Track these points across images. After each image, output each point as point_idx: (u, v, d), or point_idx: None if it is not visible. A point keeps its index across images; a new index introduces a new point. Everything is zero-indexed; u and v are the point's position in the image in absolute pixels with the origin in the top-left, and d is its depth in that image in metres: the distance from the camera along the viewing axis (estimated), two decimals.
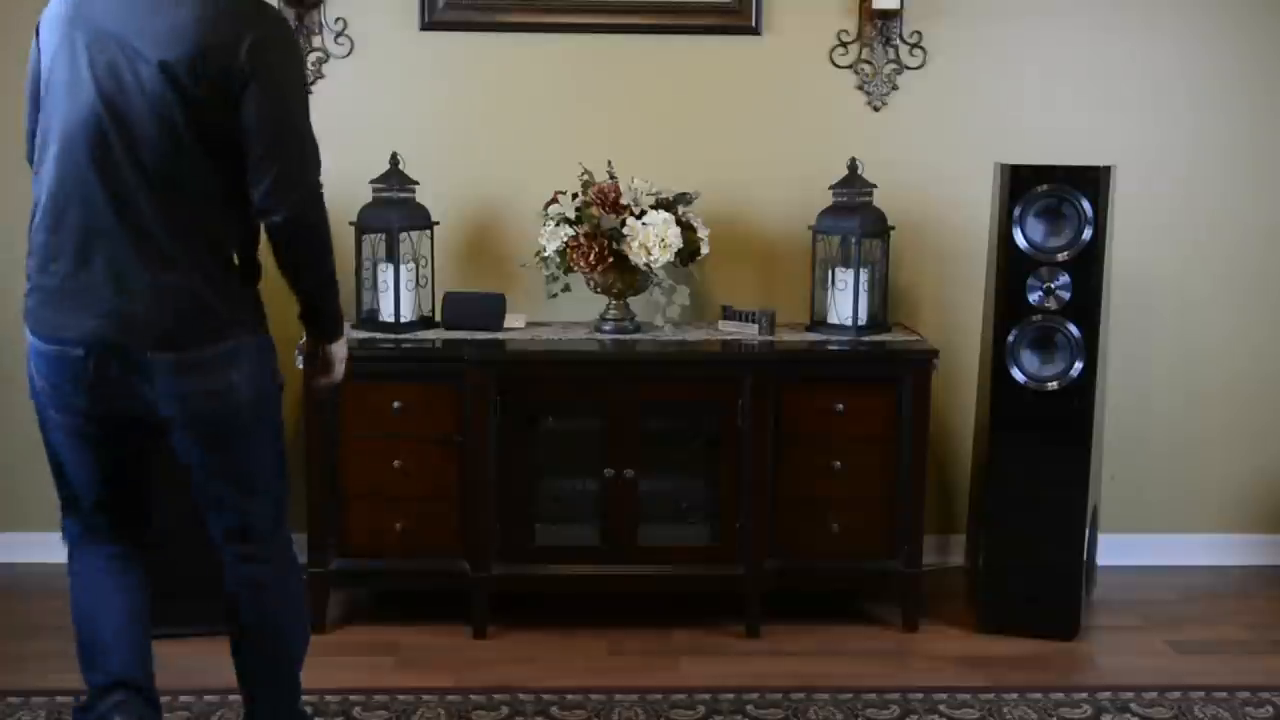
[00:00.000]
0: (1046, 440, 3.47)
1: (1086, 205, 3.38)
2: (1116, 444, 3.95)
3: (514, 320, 3.73)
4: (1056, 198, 3.41)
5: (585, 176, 3.68)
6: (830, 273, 3.71)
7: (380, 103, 3.85)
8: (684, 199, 3.66)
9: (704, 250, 3.67)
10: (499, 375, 3.46)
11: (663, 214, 3.55)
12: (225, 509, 2.59)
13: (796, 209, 3.83)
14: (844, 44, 3.87)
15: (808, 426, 3.51)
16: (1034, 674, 3.34)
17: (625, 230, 3.54)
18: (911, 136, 3.90)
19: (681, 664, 3.39)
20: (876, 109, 3.90)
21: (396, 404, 3.46)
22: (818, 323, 3.75)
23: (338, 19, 3.82)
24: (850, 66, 3.89)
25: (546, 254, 3.63)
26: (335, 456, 3.48)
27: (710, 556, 3.57)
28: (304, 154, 2.46)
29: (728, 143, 3.89)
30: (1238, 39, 3.90)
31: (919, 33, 3.87)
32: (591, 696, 3.17)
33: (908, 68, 3.88)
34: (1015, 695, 3.20)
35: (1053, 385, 3.45)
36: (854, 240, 3.64)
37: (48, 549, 2.79)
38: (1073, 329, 3.42)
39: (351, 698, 3.14)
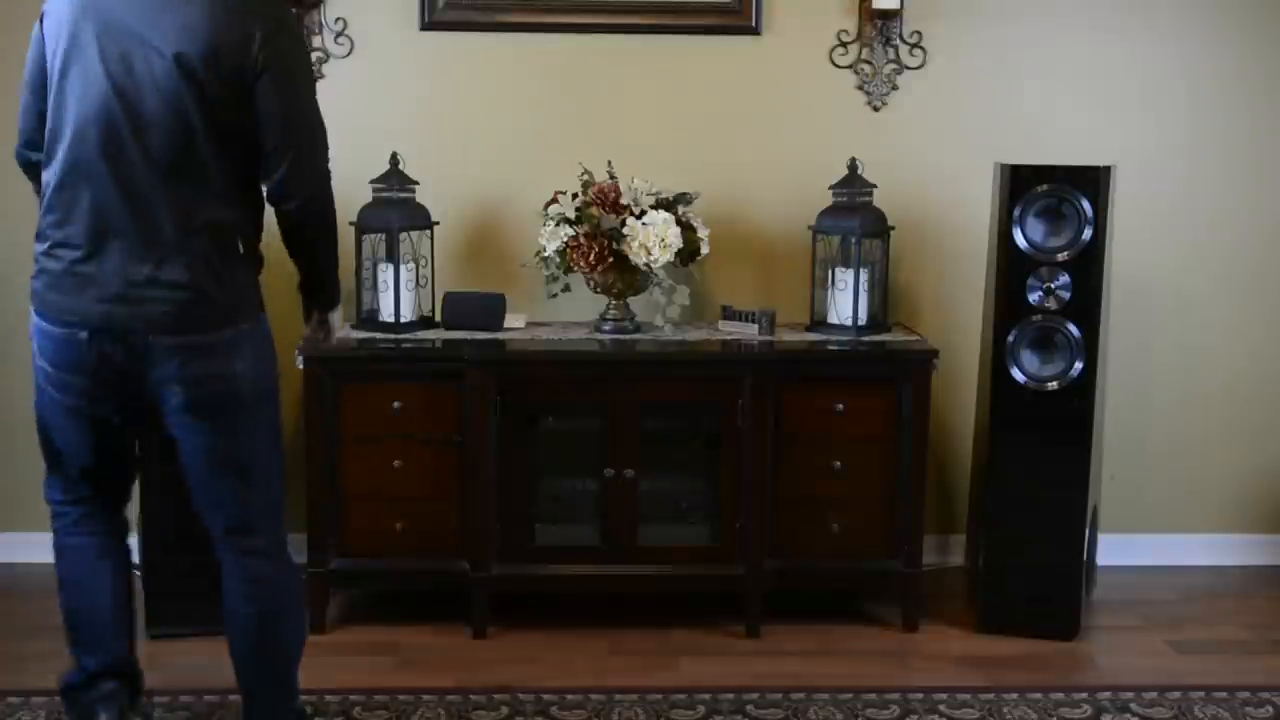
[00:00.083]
0: (1046, 440, 3.47)
1: (1086, 205, 3.38)
2: (1116, 444, 3.95)
3: (514, 320, 3.73)
4: (1056, 198, 3.41)
5: (585, 176, 3.68)
6: (830, 273, 3.71)
7: (380, 103, 3.85)
8: (684, 199, 3.66)
9: (704, 250, 3.67)
10: (499, 375, 3.46)
11: (663, 214, 3.55)
12: (227, 502, 2.61)
13: (796, 209, 3.83)
14: (844, 44, 3.87)
15: (808, 426, 3.51)
16: (1034, 674, 3.34)
17: (625, 230, 3.54)
18: (911, 136, 3.90)
19: (681, 664, 3.39)
20: (876, 109, 3.90)
21: (396, 404, 3.46)
22: (818, 323, 3.75)
23: (338, 19, 3.82)
24: (850, 66, 3.89)
25: (546, 254, 3.63)
26: (335, 456, 3.48)
27: (710, 556, 3.57)
28: (315, 141, 2.54)
29: (728, 143, 3.89)
30: (1237, 39, 3.90)
31: (919, 33, 3.87)
32: (591, 696, 3.17)
33: (908, 68, 3.88)
34: (1015, 695, 3.20)
35: (1053, 385, 3.45)
36: (854, 240, 3.64)
37: (48, 549, 2.79)
38: (1073, 329, 3.42)
39: (351, 698, 3.14)
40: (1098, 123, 3.91)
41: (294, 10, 3.76)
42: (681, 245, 3.57)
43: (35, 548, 3.71)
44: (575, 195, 3.65)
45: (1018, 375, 3.47)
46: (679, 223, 3.58)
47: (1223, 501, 4.10)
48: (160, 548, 3.41)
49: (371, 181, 3.65)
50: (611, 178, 3.65)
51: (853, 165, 3.70)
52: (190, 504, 2.67)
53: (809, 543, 3.55)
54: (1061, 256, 3.41)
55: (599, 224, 3.57)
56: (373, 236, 3.64)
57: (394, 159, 3.66)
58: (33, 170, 2.63)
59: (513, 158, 3.88)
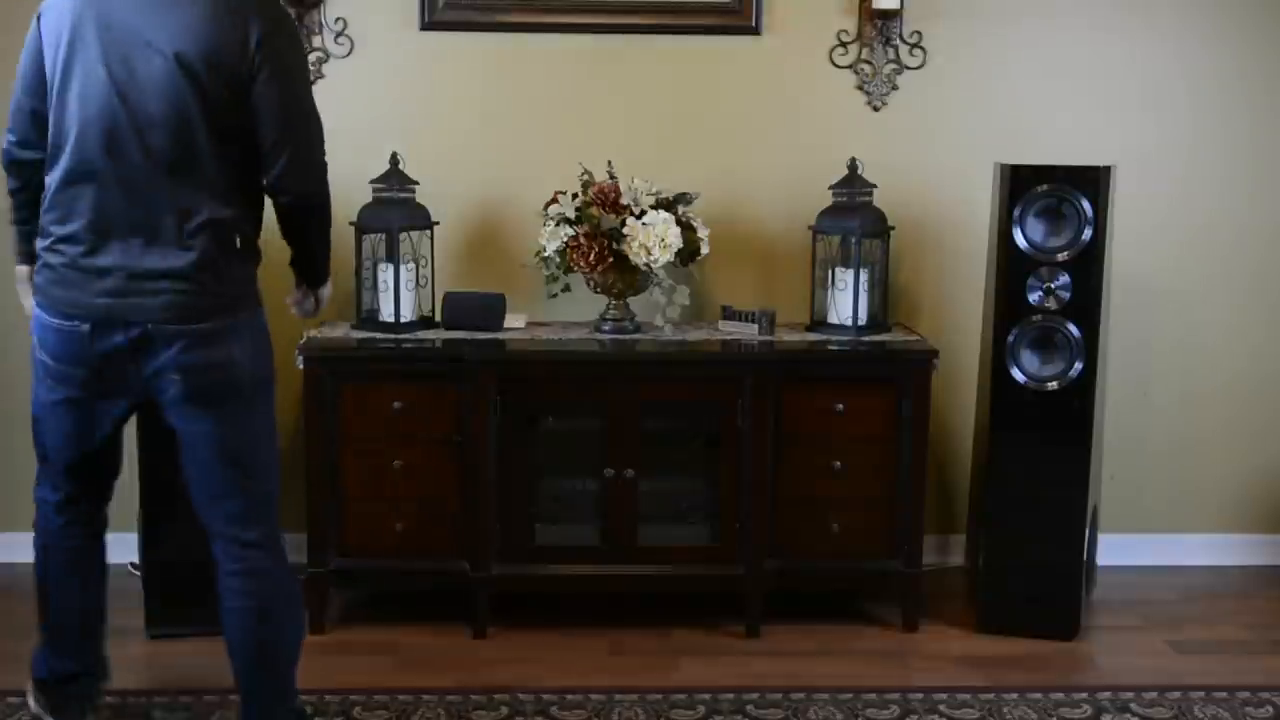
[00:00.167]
0: (1046, 440, 3.47)
1: (1086, 205, 3.38)
2: (1116, 444, 3.95)
3: (514, 320, 3.73)
4: (1056, 198, 3.41)
5: (585, 176, 3.68)
6: (830, 273, 3.71)
7: (380, 103, 3.85)
8: (684, 199, 3.66)
9: (704, 250, 3.67)
10: (499, 375, 3.46)
11: (663, 214, 3.55)
12: (225, 493, 2.64)
13: (796, 209, 3.83)
14: (844, 44, 3.87)
15: (808, 426, 3.51)
16: (1034, 674, 3.34)
17: (625, 230, 3.54)
18: (911, 136, 3.90)
19: (681, 664, 3.39)
20: (876, 109, 3.90)
21: (396, 404, 3.46)
22: (818, 323, 3.75)
23: (338, 19, 3.82)
24: (850, 66, 3.89)
25: (546, 254, 3.63)
26: (335, 456, 3.48)
27: (710, 556, 3.57)
28: (311, 135, 2.60)
29: (728, 143, 3.89)
30: (1237, 39, 3.90)
31: (919, 33, 3.87)
32: (591, 696, 3.17)
33: (908, 68, 3.88)
34: (1015, 695, 3.20)
35: (1053, 385, 3.45)
36: (854, 240, 3.64)
37: None
38: (1073, 329, 3.42)
39: (351, 698, 3.14)
40: (1097, 123, 3.91)
41: (294, 9, 3.77)
42: (681, 245, 3.57)
43: None
44: (575, 195, 3.65)
45: (1018, 375, 3.47)
46: (679, 223, 3.58)
47: (1222, 501, 4.10)
48: (160, 548, 3.41)
49: (371, 181, 3.65)
50: (611, 178, 3.65)
51: (853, 165, 3.70)
52: (190, 502, 2.70)
53: (809, 543, 3.55)
54: (1061, 256, 3.41)
55: (599, 224, 3.57)
56: (373, 236, 3.64)
57: (394, 159, 3.66)
58: (17, 168, 2.66)
59: (513, 158, 3.88)
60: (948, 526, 4.04)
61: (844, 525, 3.54)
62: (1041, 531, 3.49)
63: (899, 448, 3.51)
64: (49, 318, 2.57)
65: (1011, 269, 3.45)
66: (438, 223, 3.73)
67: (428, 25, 3.82)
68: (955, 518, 4.02)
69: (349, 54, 3.84)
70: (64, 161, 2.51)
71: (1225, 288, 4.00)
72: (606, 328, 3.70)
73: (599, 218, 3.57)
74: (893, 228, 3.74)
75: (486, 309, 3.67)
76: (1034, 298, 3.44)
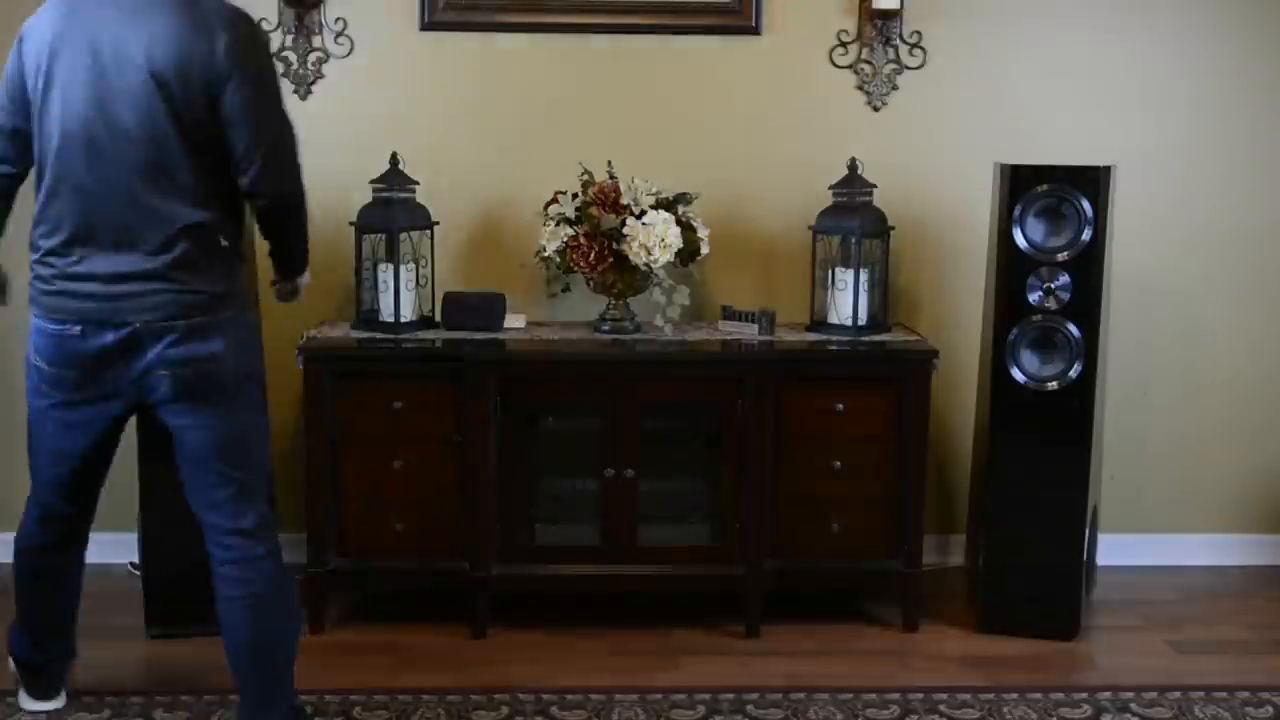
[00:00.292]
0: (1046, 440, 3.47)
1: (1086, 205, 3.38)
2: (1116, 444, 3.95)
3: (514, 320, 3.73)
4: (1056, 198, 3.41)
5: (585, 176, 3.68)
6: (830, 273, 3.71)
7: (380, 103, 3.85)
8: (684, 199, 3.66)
9: (704, 250, 3.67)
10: (499, 375, 3.46)
11: (663, 214, 3.55)
12: (218, 486, 2.69)
13: (796, 209, 3.83)
14: (844, 44, 3.87)
15: (808, 426, 3.51)
16: (1034, 674, 3.34)
17: (625, 230, 3.54)
18: (911, 136, 3.90)
19: (681, 664, 3.39)
20: (876, 109, 3.90)
21: (396, 404, 3.46)
22: (818, 323, 3.75)
23: (338, 19, 3.82)
24: (850, 66, 3.89)
25: (546, 254, 3.62)
26: (335, 456, 3.48)
27: (710, 556, 3.57)
28: (283, 139, 2.66)
29: (728, 143, 3.89)
30: (1237, 39, 3.90)
31: (919, 33, 3.87)
32: (591, 696, 3.17)
33: (908, 68, 3.88)
34: (1015, 695, 3.20)
35: (1053, 385, 3.45)
36: (854, 240, 3.64)
37: None
38: (1073, 329, 3.42)
39: (351, 698, 3.14)
40: (1097, 123, 3.91)
41: (293, 10, 3.77)
42: (681, 245, 3.57)
43: None
44: (575, 195, 3.65)
45: (1018, 375, 3.47)
46: (679, 223, 3.58)
47: (1222, 501, 4.10)
48: (160, 547, 3.41)
49: (371, 181, 3.64)
50: (611, 178, 3.65)
51: (853, 165, 3.70)
52: (187, 500, 2.73)
53: (809, 543, 3.55)
54: (1061, 256, 3.41)
55: (599, 224, 3.57)
56: (373, 236, 3.64)
57: (394, 159, 3.65)
58: None
59: (513, 158, 3.88)
60: (948, 526, 4.04)
61: (844, 525, 3.54)
62: (1041, 531, 3.49)
63: (899, 448, 3.51)
64: (42, 322, 2.65)
65: (1011, 269, 3.45)
66: (438, 223, 3.73)
67: (427, 25, 3.82)
68: (955, 518, 4.02)
69: (349, 54, 3.84)
70: (48, 176, 2.60)
71: (1225, 287, 4.00)
72: (606, 328, 3.70)
73: (599, 218, 3.57)
74: (893, 228, 3.74)
75: (486, 309, 3.67)
76: (1034, 298, 3.44)
